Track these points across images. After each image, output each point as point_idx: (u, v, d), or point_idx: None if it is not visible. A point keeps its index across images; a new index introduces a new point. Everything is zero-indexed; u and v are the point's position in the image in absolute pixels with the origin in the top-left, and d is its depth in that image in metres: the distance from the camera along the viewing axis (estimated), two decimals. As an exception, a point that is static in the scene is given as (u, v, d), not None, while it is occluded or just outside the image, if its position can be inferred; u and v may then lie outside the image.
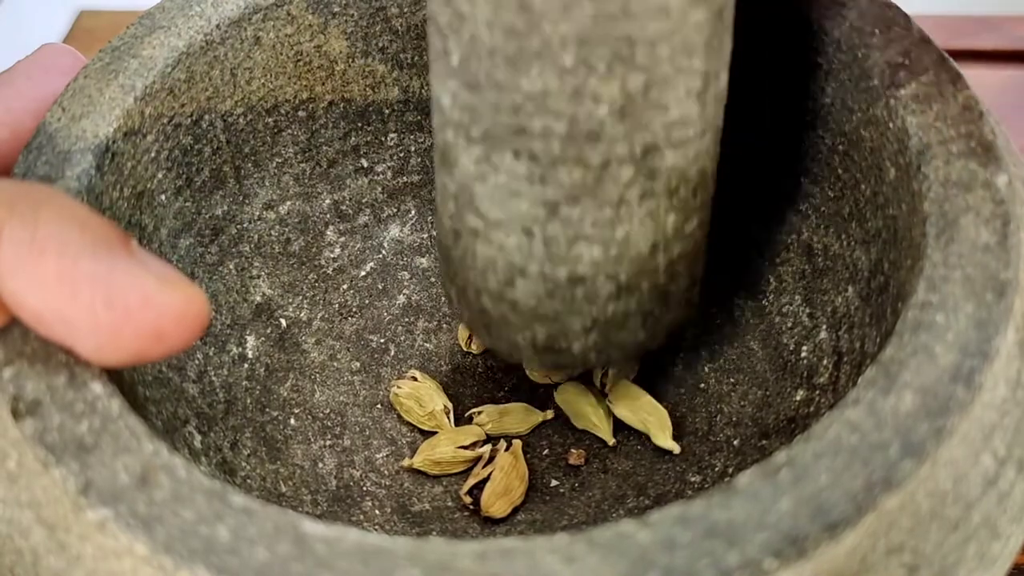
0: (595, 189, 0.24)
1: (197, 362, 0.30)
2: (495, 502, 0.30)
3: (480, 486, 0.31)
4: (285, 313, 0.33)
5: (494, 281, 0.27)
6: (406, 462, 0.32)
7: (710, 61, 0.24)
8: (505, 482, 0.31)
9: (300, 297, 0.33)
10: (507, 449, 0.31)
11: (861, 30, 0.26)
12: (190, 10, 0.29)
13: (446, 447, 0.31)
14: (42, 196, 0.20)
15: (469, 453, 0.31)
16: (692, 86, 0.24)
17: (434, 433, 0.32)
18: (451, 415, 0.32)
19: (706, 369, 0.32)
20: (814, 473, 0.19)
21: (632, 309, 0.27)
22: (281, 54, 0.31)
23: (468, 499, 0.31)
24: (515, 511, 0.31)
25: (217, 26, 0.29)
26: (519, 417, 0.33)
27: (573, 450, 0.32)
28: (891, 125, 0.25)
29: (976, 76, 0.39)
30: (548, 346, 0.28)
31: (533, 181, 0.25)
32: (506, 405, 0.33)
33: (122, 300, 0.19)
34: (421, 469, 0.32)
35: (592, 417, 0.32)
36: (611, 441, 0.32)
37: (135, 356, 0.20)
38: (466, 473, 0.32)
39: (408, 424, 0.33)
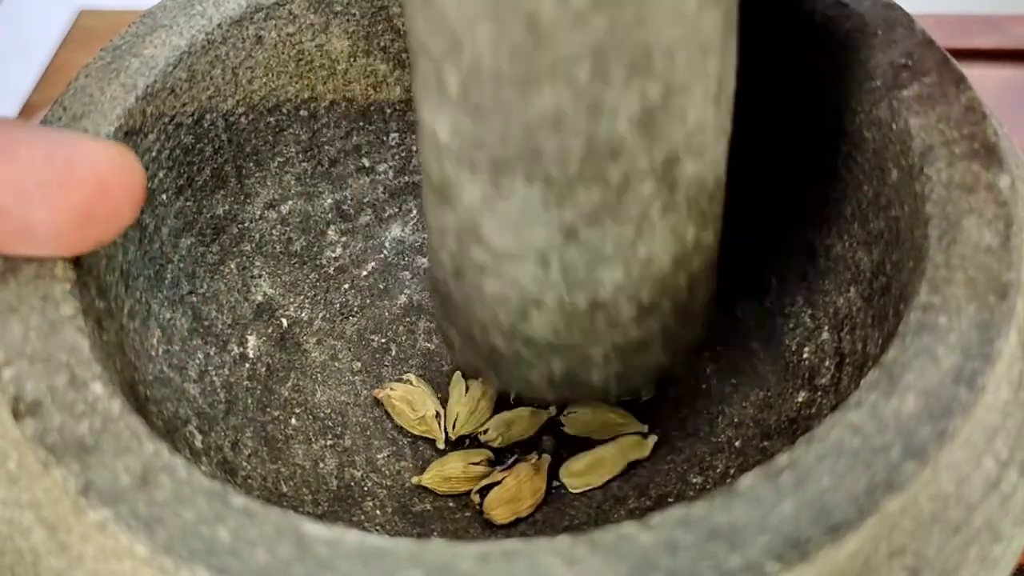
0: (616, 208, 0.23)
1: (198, 362, 0.30)
2: (499, 507, 0.30)
3: (492, 488, 0.31)
4: (286, 313, 0.33)
5: (505, 317, 0.26)
6: (415, 479, 0.31)
7: (724, 62, 0.23)
8: (516, 490, 0.30)
9: (301, 297, 0.33)
10: (537, 460, 0.31)
11: (864, 31, 0.26)
12: (192, 9, 0.29)
13: (456, 463, 0.31)
14: None
15: (479, 469, 0.31)
16: (709, 90, 0.23)
17: (425, 438, 0.32)
18: (442, 421, 0.32)
19: (708, 370, 0.32)
20: (816, 476, 0.19)
21: (654, 331, 0.26)
22: (283, 53, 0.31)
23: (477, 498, 0.30)
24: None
25: (219, 25, 0.29)
26: (525, 424, 0.32)
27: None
28: (894, 126, 0.25)
29: (976, 75, 0.39)
30: (566, 380, 0.27)
31: (549, 205, 0.23)
32: (510, 413, 0.33)
33: (59, 152, 0.20)
34: (430, 487, 0.31)
35: (618, 419, 0.32)
36: (643, 428, 0.32)
37: (86, 215, 0.20)
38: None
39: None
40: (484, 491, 0.31)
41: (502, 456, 0.32)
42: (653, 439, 0.31)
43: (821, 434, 0.19)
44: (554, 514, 0.31)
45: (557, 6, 0.20)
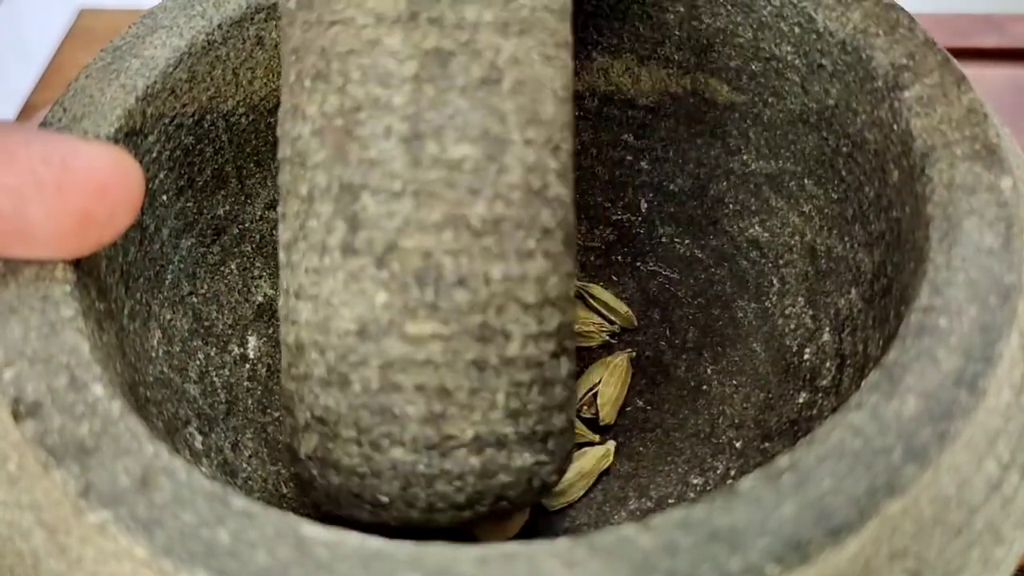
0: (304, 225, 0.24)
1: (198, 362, 0.30)
2: (488, 531, 0.30)
3: None
4: None
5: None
6: None
7: (423, 109, 0.23)
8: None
9: None
10: None
11: (865, 31, 0.26)
12: (192, 10, 0.29)
13: None
14: None
15: None
16: (395, 128, 0.23)
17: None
18: None
19: (709, 371, 0.32)
20: (817, 478, 0.19)
21: (343, 410, 0.24)
22: None
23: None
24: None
25: (219, 26, 0.29)
26: None
27: None
28: (895, 127, 0.25)
29: (977, 75, 0.39)
30: (288, 444, 0.26)
31: (282, 217, 0.25)
32: None
33: (56, 155, 0.20)
34: None
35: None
36: (596, 438, 0.32)
37: (84, 218, 0.20)
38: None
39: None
40: None
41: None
42: (612, 444, 0.31)
43: (822, 435, 0.19)
44: (555, 515, 0.31)
45: None
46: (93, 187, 0.20)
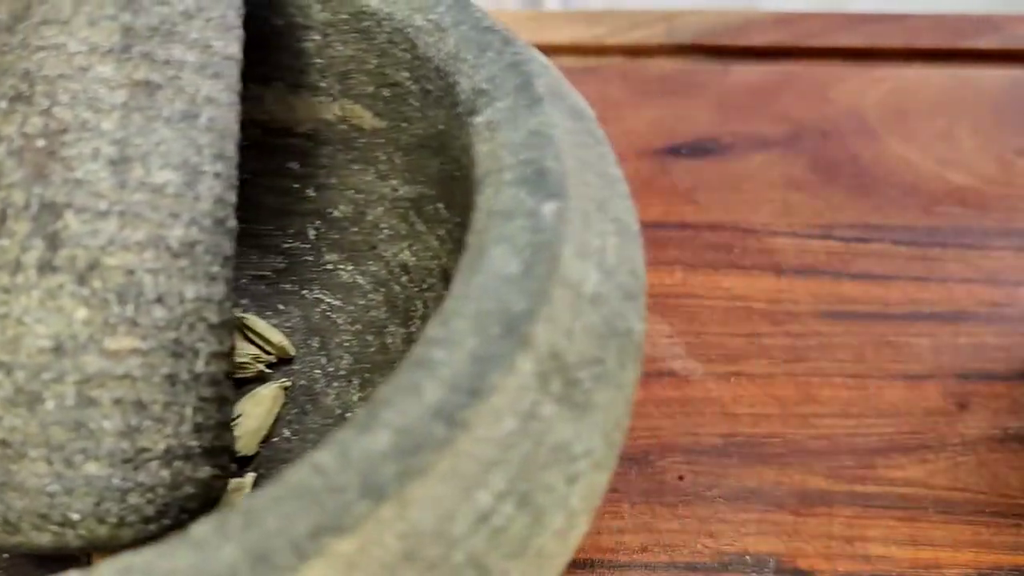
0: None
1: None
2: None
3: None
4: None
5: None
6: None
7: (132, 135, 0.24)
8: None
9: None
10: None
11: (457, 56, 0.26)
12: None
13: None
14: None
15: None
16: (103, 151, 0.24)
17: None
18: None
19: (356, 398, 0.32)
20: (263, 519, 0.18)
21: (32, 429, 0.24)
22: None
23: None
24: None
25: None
26: None
27: None
28: (471, 152, 0.25)
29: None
30: None
31: None
32: None
33: None
34: None
35: None
36: None
37: None
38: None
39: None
40: None
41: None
42: (252, 476, 0.31)
43: (288, 475, 0.19)
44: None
45: None
46: None
